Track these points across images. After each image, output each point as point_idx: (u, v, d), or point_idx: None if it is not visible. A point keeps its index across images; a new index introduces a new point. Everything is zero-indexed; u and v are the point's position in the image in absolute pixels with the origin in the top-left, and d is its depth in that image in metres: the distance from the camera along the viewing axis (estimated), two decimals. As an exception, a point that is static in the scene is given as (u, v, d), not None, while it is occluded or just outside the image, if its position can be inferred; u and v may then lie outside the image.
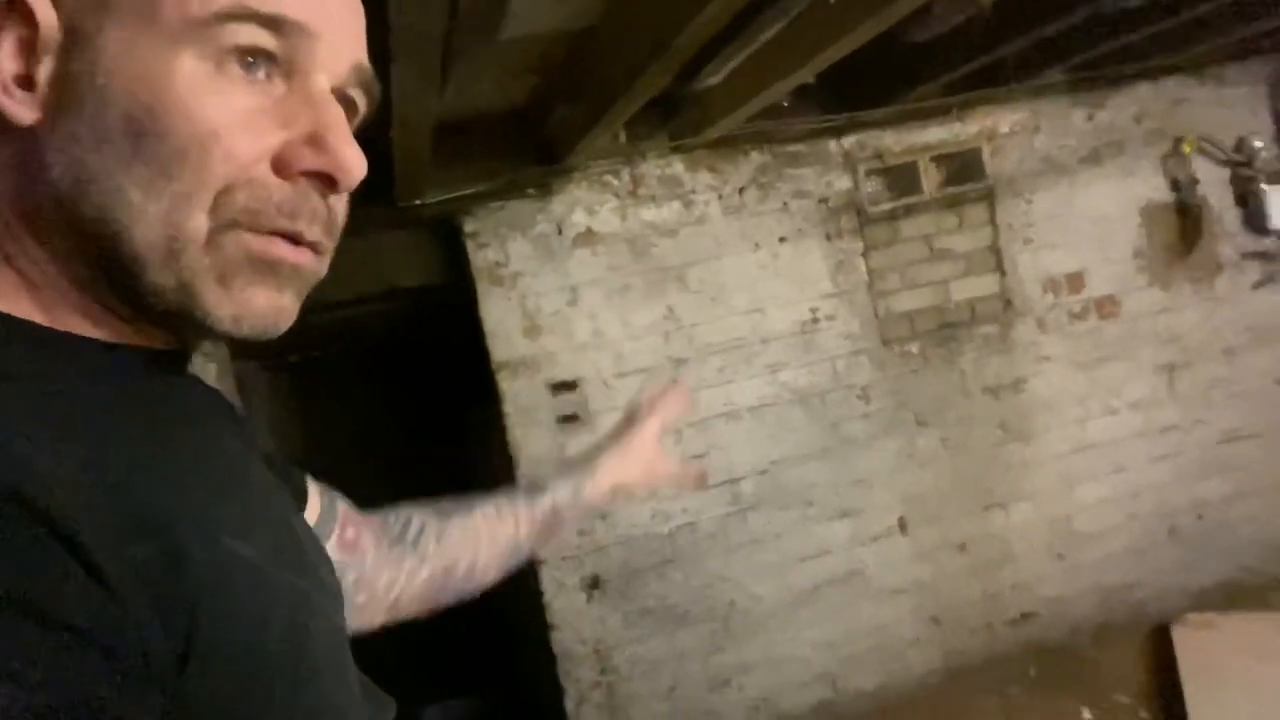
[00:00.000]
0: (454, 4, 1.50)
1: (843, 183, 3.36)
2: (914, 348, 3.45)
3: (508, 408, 3.05)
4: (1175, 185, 3.76)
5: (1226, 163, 3.80)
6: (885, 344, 3.41)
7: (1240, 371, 3.82)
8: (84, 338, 0.50)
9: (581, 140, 2.52)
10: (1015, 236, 3.56)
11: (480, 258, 3.03)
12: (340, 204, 0.55)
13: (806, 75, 2.19)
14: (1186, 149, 3.74)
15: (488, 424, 3.39)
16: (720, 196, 3.24)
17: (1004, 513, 3.57)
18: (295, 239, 0.51)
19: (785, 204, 3.30)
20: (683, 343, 3.21)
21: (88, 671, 0.37)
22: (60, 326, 0.50)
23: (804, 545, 3.33)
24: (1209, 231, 3.76)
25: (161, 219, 0.47)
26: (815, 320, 3.33)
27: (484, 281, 3.05)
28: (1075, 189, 3.64)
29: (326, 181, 0.51)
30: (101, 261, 0.49)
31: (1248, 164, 3.76)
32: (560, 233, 3.10)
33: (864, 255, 3.39)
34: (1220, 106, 3.78)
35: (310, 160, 0.50)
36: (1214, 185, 3.78)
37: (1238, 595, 3.76)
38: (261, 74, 0.50)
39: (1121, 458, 3.70)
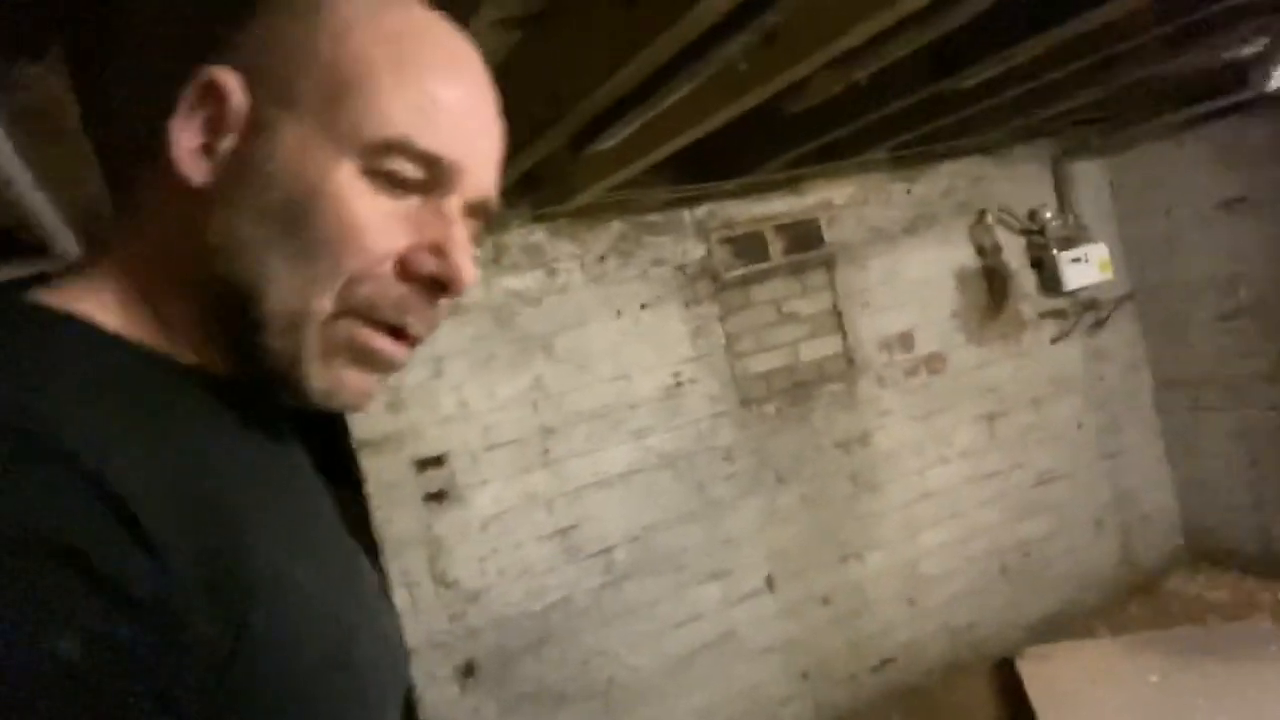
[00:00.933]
0: None
1: (697, 251, 3.48)
2: (770, 408, 3.57)
3: (371, 487, 2.87)
4: (981, 252, 4.16)
5: (1022, 232, 4.25)
6: (744, 405, 3.52)
7: (1048, 418, 4.22)
8: (194, 366, 0.56)
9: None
10: (853, 300, 3.80)
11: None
12: (447, 305, 0.61)
13: (687, 140, 2.26)
14: (988, 220, 4.15)
15: (343, 506, 3.17)
16: (582, 265, 3.26)
17: (860, 563, 3.72)
18: (400, 333, 0.58)
19: (645, 271, 3.37)
20: (551, 412, 3.16)
21: (135, 635, 0.41)
22: (178, 357, 0.55)
23: (678, 611, 3.32)
24: (1013, 293, 4.17)
25: (295, 293, 0.54)
26: (679, 384, 3.39)
27: (341, 355, 2.88)
28: (900, 256, 3.94)
29: (440, 288, 0.58)
30: (228, 316, 0.55)
31: (1040, 233, 4.22)
32: (422, 303, 3.00)
33: (720, 320, 3.50)
34: (1013, 182, 4.25)
35: (430, 266, 0.57)
36: (1014, 252, 4.21)
37: (1064, 626, 4.08)
38: (402, 189, 0.56)
39: (956, 503, 3.96)
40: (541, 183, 2.90)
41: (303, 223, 0.53)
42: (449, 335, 3.02)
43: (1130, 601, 4.25)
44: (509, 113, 1.90)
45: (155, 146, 0.54)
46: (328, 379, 0.57)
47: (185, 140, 0.54)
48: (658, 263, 3.40)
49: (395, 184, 0.55)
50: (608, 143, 2.04)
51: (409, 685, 0.68)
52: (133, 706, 0.40)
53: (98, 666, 0.39)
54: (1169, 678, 3.33)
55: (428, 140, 0.55)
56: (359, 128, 0.53)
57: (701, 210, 3.50)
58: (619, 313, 3.31)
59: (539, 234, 3.20)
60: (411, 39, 0.56)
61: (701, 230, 3.50)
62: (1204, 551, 4.44)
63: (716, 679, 3.36)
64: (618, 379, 3.28)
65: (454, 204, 0.58)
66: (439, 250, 0.57)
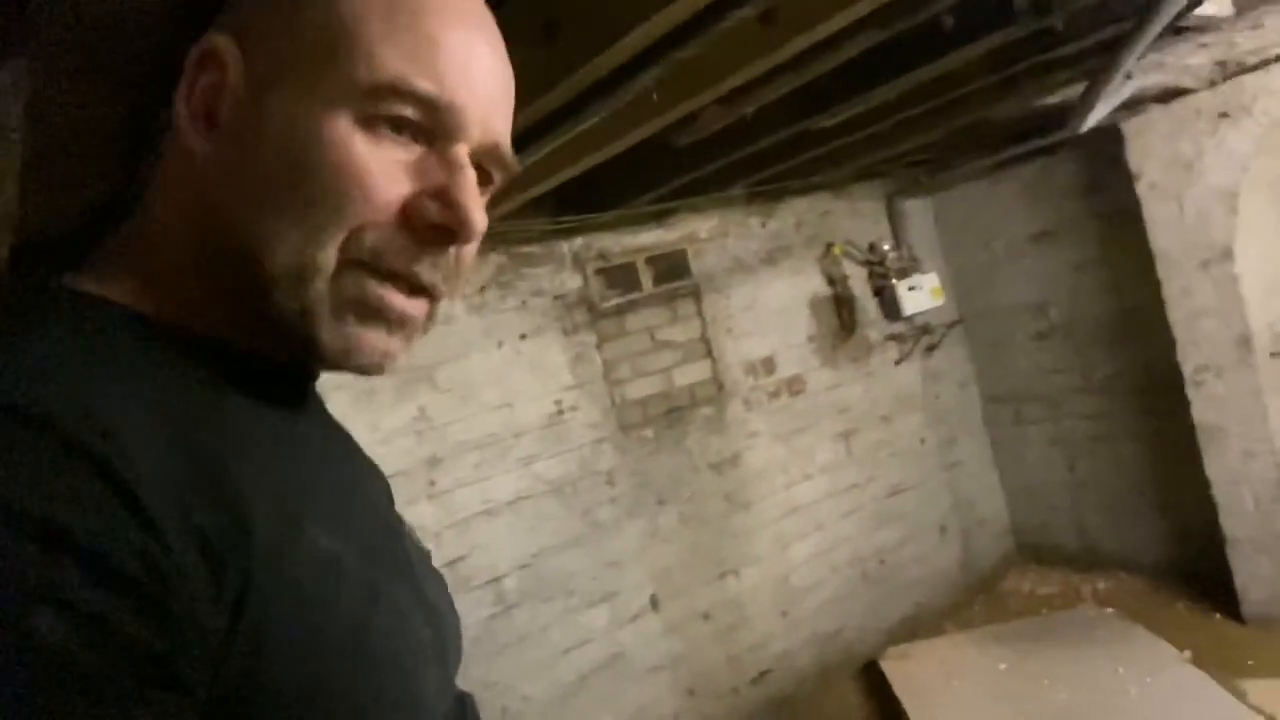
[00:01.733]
0: None
1: (574, 281, 3.57)
2: (649, 432, 3.69)
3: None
4: (831, 281, 4.48)
5: (865, 263, 4.61)
6: (623, 430, 3.62)
7: (896, 434, 4.56)
8: (214, 339, 0.56)
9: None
10: (720, 327, 4.00)
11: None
12: (467, 252, 0.60)
13: (578, 170, 2.36)
14: (835, 251, 4.48)
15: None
16: (464, 296, 3.28)
17: (736, 578, 3.87)
18: (411, 283, 0.56)
19: (524, 301, 3.42)
20: (436, 442, 3.15)
21: (130, 611, 0.40)
22: (195, 330, 0.55)
23: (567, 636, 3.34)
24: (860, 319, 4.51)
25: (298, 247, 0.53)
26: (560, 412, 3.45)
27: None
28: (759, 285, 4.19)
29: (448, 235, 0.56)
30: (238, 280, 0.54)
31: (880, 263, 4.59)
32: (301, 336, 2.93)
33: (598, 348, 3.60)
34: (854, 218, 4.60)
35: (435, 214, 0.55)
36: (858, 281, 4.56)
37: (917, 626, 4.39)
38: (406, 136, 0.55)
39: (820, 516, 4.21)
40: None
41: (301, 176, 0.52)
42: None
43: (974, 600, 4.63)
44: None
45: (155, 124, 0.56)
46: (342, 337, 0.55)
47: (188, 109, 0.54)
48: (537, 293, 3.47)
49: (397, 130, 0.54)
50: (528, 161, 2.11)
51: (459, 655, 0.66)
52: (120, 685, 0.39)
53: (82, 644, 0.38)
54: (1016, 665, 3.66)
55: (425, 82, 0.54)
56: (354, 75, 0.53)
57: (578, 242, 3.60)
58: (500, 343, 3.35)
59: (420, 265, 3.20)
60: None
61: (578, 261, 3.60)
62: (1032, 550, 4.90)
63: (607, 701, 3.40)
64: (502, 407, 3.31)
65: (461, 151, 0.56)
66: (444, 196, 0.55)
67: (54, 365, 0.46)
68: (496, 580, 3.21)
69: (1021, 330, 4.70)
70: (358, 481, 0.65)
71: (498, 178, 0.63)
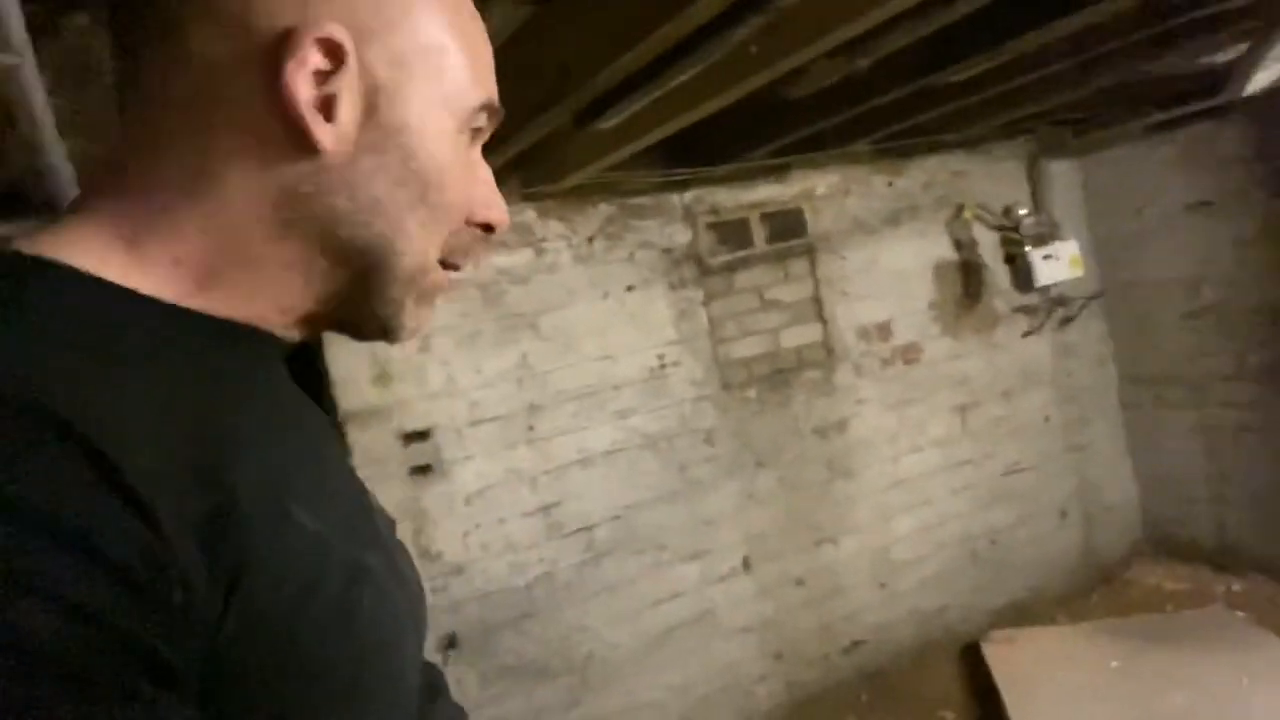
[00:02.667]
0: None
1: (684, 235, 3.52)
2: (751, 392, 3.63)
3: (357, 460, 2.88)
4: (959, 246, 4.24)
5: (998, 228, 4.34)
6: (726, 389, 3.57)
7: (1017, 410, 4.33)
8: (213, 317, 0.54)
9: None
10: (833, 289, 3.87)
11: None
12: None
13: (686, 122, 2.30)
14: (966, 215, 4.24)
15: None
16: (570, 245, 3.28)
17: (834, 546, 3.79)
18: (457, 268, 0.64)
19: (631, 254, 3.40)
20: (536, 390, 3.19)
21: (119, 602, 0.39)
22: (207, 309, 0.54)
23: (657, 589, 3.37)
24: (987, 288, 4.26)
25: (421, 251, 0.59)
26: (662, 366, 3.43)
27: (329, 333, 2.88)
28: (880, 247, 4.01)
29: (491, 230, 0.64)
30: (352, 271, 0.57)
31: (1015, 229, 4.32)
32: (411, 278, 3.01)
33: (704, 304, 3.55)
34: (991, 179, 4.33)
35: (485, 214, 0.63)
36: (988, 247, 4.30)
37: (1028, 612, 4.20)
38: (470, 140, 0.61)
39: (928, 490, 4.05)
40: (533, 161, 2.92)
41: (434, 190, 0.58)
42: (438, 311, 3.02)
43: (1092, 590, 4.38)
44: (514, 88, 1.92)
45: (236, 97, 0.52)
46: (417, 319, 0.62)
47: (303, 95, 0.52)
48: (645, 246, 3.44)
49: (472, 139, 0.61)
50: (612, 121, 2.07)
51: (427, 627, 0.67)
52: (111, 681, 0.38)
53: (71, 638, 0.37)
54: (1129, 663, 3.45)
55: (495, 95, 0.61)
56: (464, 90, 0.58)
57: (689, 195, 3.53)
58: (606, 294, 3.34)
59: (528, 213, 3.22)
60: (464, 5, 0.60)
61: (689, 215, 3.54)
62: (1163, 543, 4.59)
63: (692, 657, 3.42)
64: (603, 359, 3.31)
65: (479, 148, 0.63)
66: (489, 198, 0.63)
67: (45, 346, 0.44)
68: (589, 529, 3.26)
69: (1170, 307, 4.34)
70: (331, 456, 0.65)
71: None
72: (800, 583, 3.69)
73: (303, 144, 0.53)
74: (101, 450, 0.40)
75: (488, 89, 0.60)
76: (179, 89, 0.53)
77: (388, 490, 2.91)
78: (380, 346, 2.93)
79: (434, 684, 0.70)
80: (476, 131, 0.61)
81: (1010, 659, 3.66)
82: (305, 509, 0.52)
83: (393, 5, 0.55)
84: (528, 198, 3.17)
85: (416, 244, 0.58)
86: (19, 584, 0.37)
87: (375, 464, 2.90)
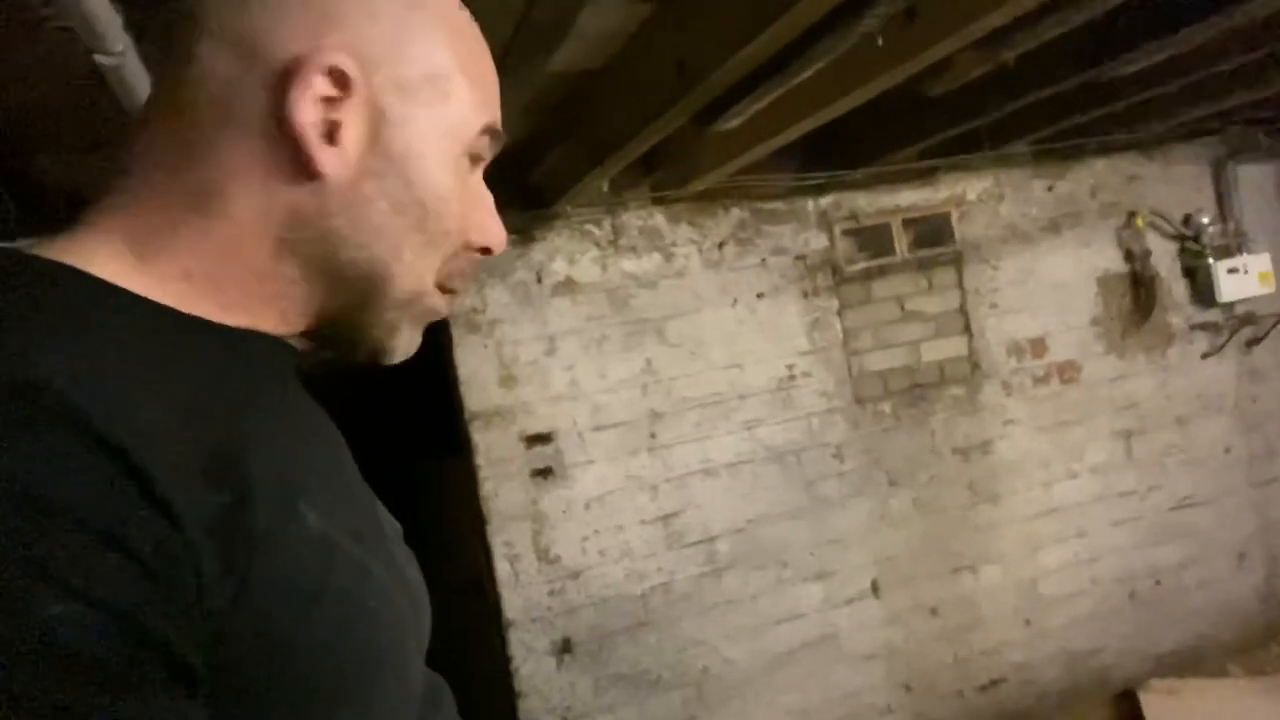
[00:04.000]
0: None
1: (819, 241, 3.38)
2: (886, 407, 3.45)
3: (480, 460, 2.92)
4: (1129, 256, 3.89)
5: (1175, 237, 3.96)
6: (859, 403, 3.40)
7: (1192, 439, 3.92)
8: (223, 325, 0.55)
9: (575, 186, 2.47)
10: (982, 300, 3.63)
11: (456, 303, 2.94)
12: None
13: (816, 123, 2.19)
14: (1139, 223, 3.88)
15: (443, 478, 3.25)
16: (700, 250, 3.22)
17: (973, 575, 3.55)
18: (456, 294, 0.64)
19: (763, 260, 3.30)
20: (660, 396, 3.14)
21: (139, 595, 0.40)
22: (213, 316, 0.55)
23: (778, 607, 3.25)
24: (1160, 303, 3.89)
25: (418, 276, 0.59)
26: (792, 377, 3.31)
27: (459, 328, 2.94)
28: (1037, 256, 3.73)
29: (488, 252, 0.64)
30: (348, 292, 0.58)
31: (1195, 239, 3.92)
32: (539, 280, 3.03)
33: (839, 314, 3.40)
34: (1169, 184, 3.95)
35: (482, 238, 0.63)
36: (1164, 258, 3.93)
37: (1195, 661, 3.80)
38: (472, 165, 0.62)
39: (1083, 521, 3.73)
40: (662, 163, 2.88)
41: (433, 218, 0.58)
42: (563, 314, 3.04)
43: (1271, 642, 3.92)
44: (634, 88, 1.87)
45: (248, 121, 0.53)
46: (410, 342, 0.64)
47: (309, 120, 0.53)
48: (777, 252, 3.33)
49: (474, 164, 0.62)
50: (734, 120, 1.99)
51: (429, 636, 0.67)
52: (131, 673, 0.39)
53: (92, 633, 0.38)
54: (1315, 729, 3.05)
55: (497, 119, 0.62)
56: (466, 120, 0.59)
57: (826, 200, 3.40)
58: (735, 301, 3.25)
59: (657, 217, 3.18)
60: (470, 32, 0.61)
61: (824, 220, 3.40)
62: (1364, 596, 4.05)
63: (814, 680, 3.28)
64: (730, 368, 3.23)
65: (480, 171, 0.64)
66: (486, 223, 0.63)
67: (62, 344, 0.45)
68: (710, 540, 3.18)
69: (1380, 330, 3.83)
70: (340, 460, 0.64)
71: None
72: (934, 612, 3.47)
73: (306, 168, 0.54)
74: (125, 448, 0.41)
75: (491, 112, 0.61)
76: (192, 107, 0.55)
77: (509, 491, 2.94)
78: (506, 346, 2.97)
79: (436, 696, 0.68)
80: (478, 156, 0.62)
81: (1171, 711, 3.31)
82: (315, 511, 0.52)
83: (399, 34, 0.57)
84: (657, 201, 3.13)
85: (413, 269, 0.59)
86: (49, 579, 0.38)
87: (497, 465, 2.93)
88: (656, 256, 3.17)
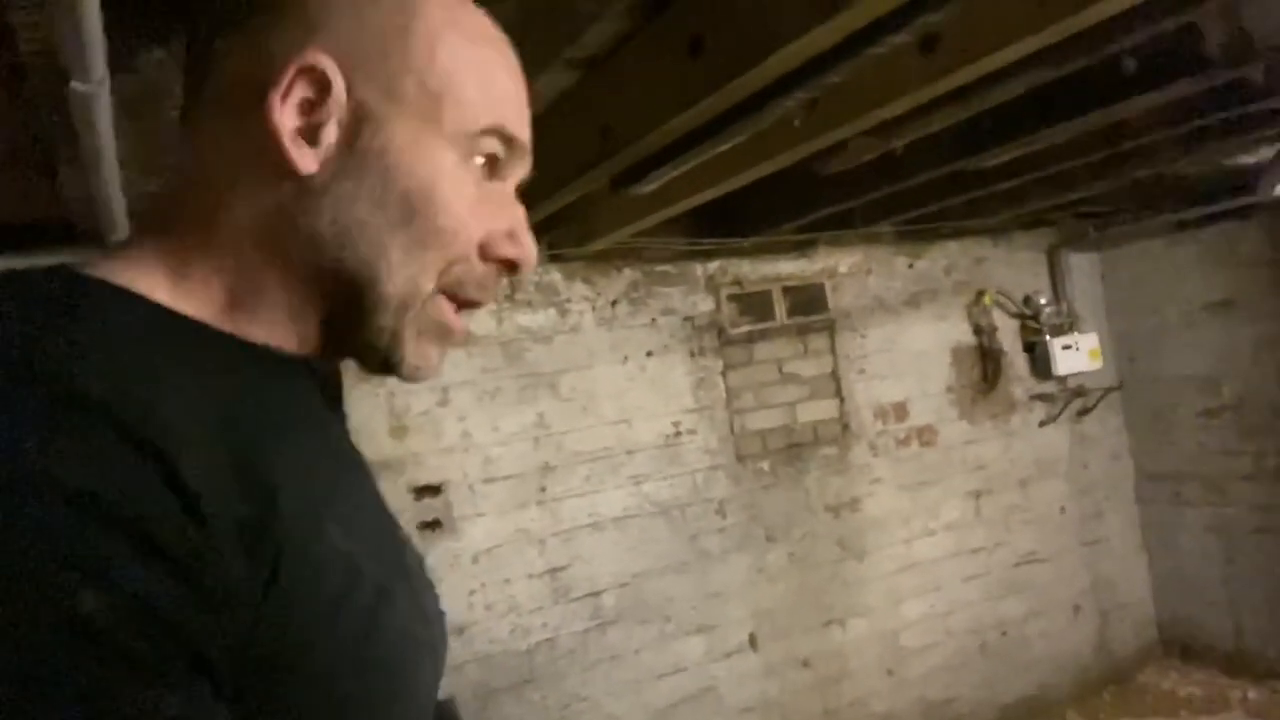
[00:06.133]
0: None
1: (706, 304, 3.53)
2: (765, 465, 3.60)
3: (367, 511, 2.85)
4: (978, 330, 4.25)
5: (1017, 315, 4.35)
6: (740, 460, 3.54)
7: (1032, 500, 4.27)
8: (252, 343, 0.57)
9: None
10: (851, 365, 3.86)
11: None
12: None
13: (719, 192, 2.33)
14: (986, 300, 4.25)
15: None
16: (594, 307, 3.30)
17: (841, 628, 3.71)
18: (474, 306, 0.62)
19: (654, 320, 3.41)
20: (551, 450, 3.17)
21: (169, 591, 0.41)
22: (240, 333, 0.57)
23: (661, 661, 3.29)
24: (1005, 374, 4.26)
25: (409, 277, 0.58)
26: (678, 434, 3.41)
27: (350, 376, 2.88)
28: (900, 327, 4.02)
29: (514, 267, 0.62)
30: (339, 298, 0.58)
31: (1034, 318, 4.33)
32: (435, 331, 3.02)
33: (723, 374, 3.54)
34: (1011, 267, 4.36)
35: (507, 250, 0.61)
36: (1007, 334, 4.31)
37: (1037, 709, 4.08)
38: (487, 172, 0.61)
39: (939, 576, 3.98)
40: (562, 222, 2.95)
41: (420, 214, 0.57)
42: (458, 365, 3.04)
43: (1104, 690, 4.26)
44: (555, 150, 1.95)
45: (243, 129, 0.55)
46: (419, 355, 0.61)
47: (286, 122, 0.55)
48: (667, 312, 3.45)
49: (488, 170, 0.60)
50: (649, 186, 2.10)
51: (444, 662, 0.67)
52: (158, 665, 0.40)
53: (123, 624, 0.39)
54: (1143, 767, 3.33)
55: (514, 126, 0.61)
56: (465, 117, 0.58)
57: (713, 265, 3.56)
58: (626, 357, 3.34)
59: (554, 274, 3.25)
60: (484, 37, 0.61)
61: (712, 285, 3.56)
62: (1178, 644, 4.47)
63: (693, 735, 3.32)
64: (619, 423, 3.30)
65: (512, 186, 0.63)
66: (513, 234, 0.61)
67: (101, 349, 0.47)
68: (595, 594, 3.20)
69: (1187, 404, 4.32)
70: (364, 483, 0.66)
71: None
72: (807, 663, 3.60)
73: (287, 169, 0.55)
74: (161, 452, 0.43)
75: (497, 115, 0.60)
76: (205, 127, 0.58)
77: (396, 543, 2.88)
78: (399, 395, 2.93)
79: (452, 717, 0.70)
80: (492, 160, 0.60)
81: (1020, 757, 3.54)
82: (338, 527, 0.53)
83: (391, 35, 0.57)
84: (554, 258, 3.20)
85: (402, 269, 0.57)
86: (82, 570, 0.39)
87: (385, 515, 2.87)
88: (552, 312, 3.23)
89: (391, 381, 2.90)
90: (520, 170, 0.64)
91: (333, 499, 0.56)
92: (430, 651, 0.63)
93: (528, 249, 0.62)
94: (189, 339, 0.54)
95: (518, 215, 0.62)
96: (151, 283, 0.54)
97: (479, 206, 0.60)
